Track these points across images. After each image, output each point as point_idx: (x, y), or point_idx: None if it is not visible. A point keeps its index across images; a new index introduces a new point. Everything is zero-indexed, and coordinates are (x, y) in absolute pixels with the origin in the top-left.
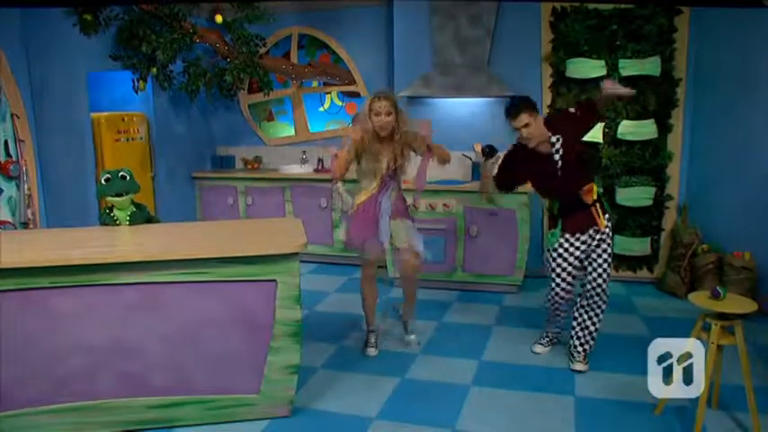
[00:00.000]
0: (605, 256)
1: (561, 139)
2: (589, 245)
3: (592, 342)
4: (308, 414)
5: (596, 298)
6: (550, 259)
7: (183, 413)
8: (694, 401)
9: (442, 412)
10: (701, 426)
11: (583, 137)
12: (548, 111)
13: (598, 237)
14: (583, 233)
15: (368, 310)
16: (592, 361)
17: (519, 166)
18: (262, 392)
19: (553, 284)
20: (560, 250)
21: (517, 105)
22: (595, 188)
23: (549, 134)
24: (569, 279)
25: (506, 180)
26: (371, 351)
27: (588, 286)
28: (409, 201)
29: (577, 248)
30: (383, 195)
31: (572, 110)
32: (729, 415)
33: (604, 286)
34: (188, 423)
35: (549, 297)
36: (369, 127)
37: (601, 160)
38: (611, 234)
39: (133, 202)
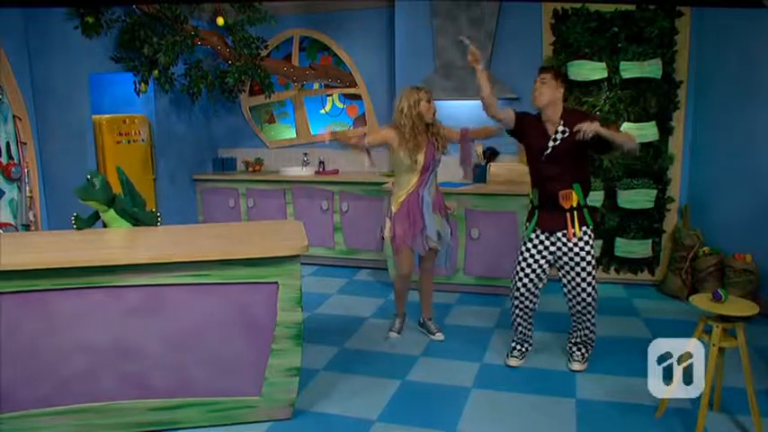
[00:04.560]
0: (581, 268)
1: (567, 133)
2: (560, 248)
3: (589, 346)
4: (309, 416)
5: (582, 306)
6: (520, 251)
7: (184, 415)
8: (696, 404)
9: (443, 415)
10: (702, 428)
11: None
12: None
13: (570, 244)
14: (551, 233)
15: (398, 300)
16: (594, 363)
17: (524, 124)
18: (263, 395)
19: (515, 277)
20: (529, 245)
21: (551, 66)
22: (576, 197)
23: (562, 120)
24: (531, 276)
25: (511, 119)
26: (393, 334)
27: (570, 295)
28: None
29: (546, 248)
30: (424, 189)
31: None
32: (731, 418)
33: (588, 299)
34: (189, 425)
35: (510, 292)
36: (414, 114)
37: (598, 166)
38: (587, 249)
39: (115, 207)
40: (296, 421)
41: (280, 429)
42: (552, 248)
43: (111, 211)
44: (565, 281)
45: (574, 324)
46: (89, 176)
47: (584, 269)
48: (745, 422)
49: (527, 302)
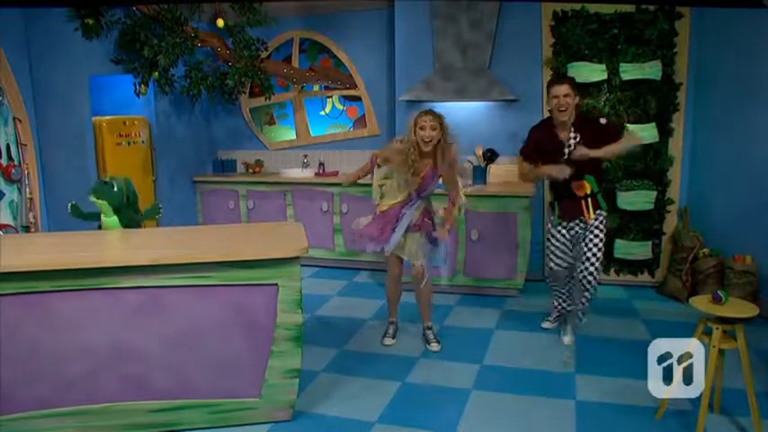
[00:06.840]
0: (593, 245)
1: (579, 138)
2: (577, 232)
3: (578, 319)
4: (309, 418)
5: (584, 282)
6: (547, 237)
7: (184, 417)
8: (696, 405)
9: (442, 416)
10: (702, 429)
11: (598, 146)
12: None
13: (587, 228)
14: (571, 221)
15: (390, 305)
16: (593, 364)
17: (535, 140)
18: (263, 396)
19: (547, 258)
20: (553, 230)
21: (565, 75)
22: (589, 185)
23: (573, 127)
24: (561, 255)
25: (530, 150)
26: (388, 341)
27: (577, 270)
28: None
29: (568, 231)
30: (408, 207)
31: (603, 120)
32: (731, 419)
33: (595, 273)
34: (190, 427)
35: (546, 271)
36: (412, 138)
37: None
38: (601, 228)
39: (122, 215)
40: (296, 423)
41: (280, 431)
42: (572, 232)
43: (115, 218)
44: (574, 253)
45: (569, 302)
46: (107, 180)
47: (593, 242)
48: (746, 423)
49: (560, 274)
